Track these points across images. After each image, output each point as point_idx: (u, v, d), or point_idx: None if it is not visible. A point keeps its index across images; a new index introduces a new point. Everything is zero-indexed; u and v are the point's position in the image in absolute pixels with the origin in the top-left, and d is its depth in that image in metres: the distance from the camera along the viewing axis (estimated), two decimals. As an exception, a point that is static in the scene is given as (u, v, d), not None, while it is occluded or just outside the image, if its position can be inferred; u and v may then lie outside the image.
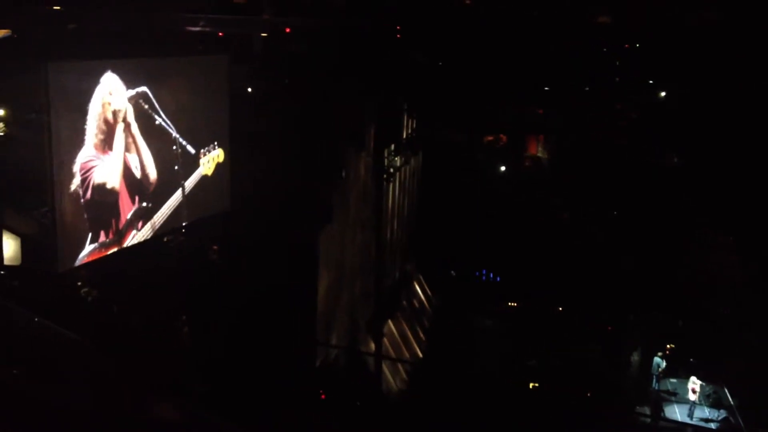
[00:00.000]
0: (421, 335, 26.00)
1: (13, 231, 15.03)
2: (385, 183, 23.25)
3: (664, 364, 23.13)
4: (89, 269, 14.98)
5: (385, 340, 22.52)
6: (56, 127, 13.12)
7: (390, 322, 23.71)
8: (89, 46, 15.50)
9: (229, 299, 16.36)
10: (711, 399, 23.10)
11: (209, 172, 17.47)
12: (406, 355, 23.67)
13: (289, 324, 16.65)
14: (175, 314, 15.58)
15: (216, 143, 17.60)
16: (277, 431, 14.55)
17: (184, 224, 17.09)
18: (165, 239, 17.32)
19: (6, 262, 14.98)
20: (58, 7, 16.88)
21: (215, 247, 18.70)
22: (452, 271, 30.09)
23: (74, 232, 14.01)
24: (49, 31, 16.18)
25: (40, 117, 13.13)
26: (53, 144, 13.13)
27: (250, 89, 21.05)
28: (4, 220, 14.96)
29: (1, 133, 15.09)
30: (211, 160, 17.53)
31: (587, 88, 29.27)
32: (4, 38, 17.50)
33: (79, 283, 14.96)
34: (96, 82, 14.01)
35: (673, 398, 23.45)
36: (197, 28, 19.29)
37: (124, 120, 14.83)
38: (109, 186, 14.58)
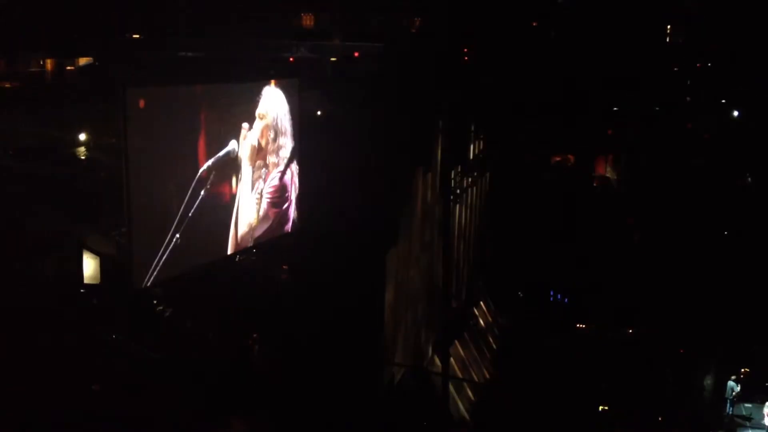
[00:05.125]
0: (489, 356, 25.85)
1: (93, 251, 15.61)
2: (452, 203, 23.26)
3: (738, 388, 22.48)
4: (164, 287, 15.45)
5: (452, 360, 22.45)
6: (133, 151, 13.53)
7: (457, 342, 23.64)
8: (165, 73, 16.02)
9: (297, 318, 16.61)
10: (788, 426, 22.29)
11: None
12: (474, 375, 23.54)
13: (356, 343, 16.78)
14: (246, 332, 15.90)
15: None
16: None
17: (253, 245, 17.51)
18: (237, 259, 17.75)
19: (86, 280, 15.59)
20: (137, 36, 17.60)
21: (284, 267, 19.04)
22: (519, 292, 29.84)
23: (148, 253, 14.45)
24: (128, 59, 16.82)
25: (119, 142, 13.61)
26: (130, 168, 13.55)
27: (319, 112, 21.43)
28: (85, 241, 15.57)
29: (83, 157, 15.69)
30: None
31: (657, 108, 28.83)
32: (86, 66, 18.34)
33: (155, 301, 15.41)
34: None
35: (747, 423, 22.73)
36: (268, 54, 19.78)
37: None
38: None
